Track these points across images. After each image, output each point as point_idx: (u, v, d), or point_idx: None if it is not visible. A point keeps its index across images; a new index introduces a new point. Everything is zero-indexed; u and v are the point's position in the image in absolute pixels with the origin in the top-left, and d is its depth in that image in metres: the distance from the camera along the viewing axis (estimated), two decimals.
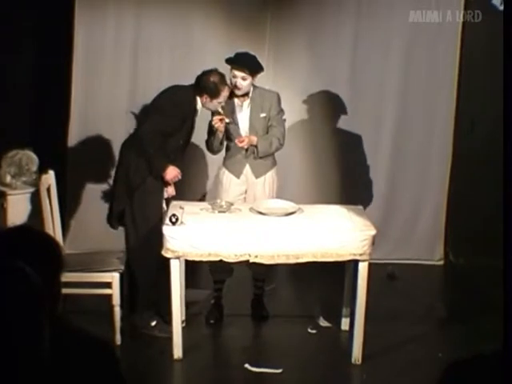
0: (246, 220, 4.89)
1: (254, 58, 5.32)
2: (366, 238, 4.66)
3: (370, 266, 4.67)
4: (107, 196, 5.38)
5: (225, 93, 5.13)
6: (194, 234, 4.67)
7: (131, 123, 6.57)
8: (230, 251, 4.65)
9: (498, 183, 6.54)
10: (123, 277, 5.00)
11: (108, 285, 4.89)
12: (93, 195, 6.56)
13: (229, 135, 5.39)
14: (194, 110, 5.19)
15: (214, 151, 5.50)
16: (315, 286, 6.08)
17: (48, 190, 5.00)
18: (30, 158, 6.11)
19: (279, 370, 4.67)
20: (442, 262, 6.96)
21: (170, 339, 4.77)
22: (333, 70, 6.65)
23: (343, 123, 6.75)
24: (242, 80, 5.21)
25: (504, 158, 2.55)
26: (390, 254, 6.83)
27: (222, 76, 5.13)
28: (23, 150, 6.10)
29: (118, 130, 6.57)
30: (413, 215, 6.90)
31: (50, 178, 5.06)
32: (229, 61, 5.25)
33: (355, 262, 4.76)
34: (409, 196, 6.87)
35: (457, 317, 5.62)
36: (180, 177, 5.16)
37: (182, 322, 5.00)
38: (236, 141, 5.30)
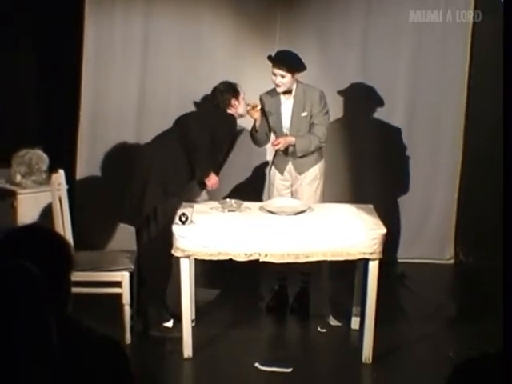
0: (255, 219, 4.89)
1: (295, 55, 5.35)
2: (376, 237, 4.65)
3: (381, 264, 4.66)
4: (119, 195, 5.32)
5: (238, 91, 5.32)
6: (203, 233, 4.66)
7: (141, 121, 6.58)
8: (240, 250, 4.65)
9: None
10: (133, 276, 5.00)
11: (118, 284, 4.89)
12: (102, 194, 6.56)
13: (273, 129, 5.53)
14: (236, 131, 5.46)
15: (257, 142, 5.65)
16: (325, 285, 6.07)
17: (58, 189, 5.01)
18: (39, 157, 6.13)
19: (289, 369, 4.66)
20: (452, 262, 6.95)
21: (179, 338, 4.78)
22: (342, 68, 6.63)
23: (353, 121, 6.73)
24: (281, 78, 5.27)
25: (504, 158, 2.54)
26: (401, 254, 6.82)
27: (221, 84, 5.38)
28: (33, 149, 6.13)
29: (127, 129, 6.59)
30: (423, 214, 6.88)
31: (60, 177, 5.07)
32: (269, 58, 5.33)
33: (365, 261, 4.75)
34: (419, 195, 6.85)
35: (467, 316, 5.60)
36: (218, 186, 5.25)
37: (192, 321, 5.00)
38: (272, 143, 5.43)
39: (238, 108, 5.30)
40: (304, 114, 5.38)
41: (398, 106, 6.73)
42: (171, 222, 4.78)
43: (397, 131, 6.74)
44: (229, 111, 5.27)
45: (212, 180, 5.17)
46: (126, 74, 6.61)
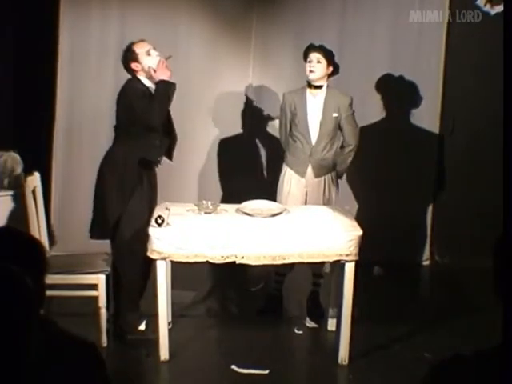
0: (232, 221, 4.88)
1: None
2: (353, 239, 4.66)
3: (357, 266, 4.68)
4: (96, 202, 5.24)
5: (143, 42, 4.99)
6: (179, 236, 4.65)
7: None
8: (216, 252, 4.64)
9: (482, 184, 6.61)
10: (109, 279, 4.97)
11: (94, 287, 4.87)
12: (78, 197, 6.54)
13: (297, 130, 5.40)
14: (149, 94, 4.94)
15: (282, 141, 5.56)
16: (301, 287, 6.08)
17: (33, 191, 4.98)
18: (14, 159, 6.09)
19: (266, 371, 4.67)
20: (427, 263, 6.99)
21: (156, 341, 4.76)
22: None
23: None
24: (317, 63, 5.25)
25: (504, 158, 2.57)
26: (377, 255, 6.85)
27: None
28: (8, 151, 6.09)
29: (102, 132, 6.55)
30: (399, 216, 6.91)
31: (35, 179, 5.04)
32: (307, 48, 5.32)
33: (342, 263, 4.76)
34: (395, 197, 6.88)
35: (443, 317, 5.63)
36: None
37: (169, 323, 4.99)
38: None
39: (143, 64, 4.89)
40: (335, 114, 5.33)
41: (374, 107, 6.75)
42: (141, 222, 4.79)
43: (377, 133, 6.76)
44: (140, 76, 4.95)
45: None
46: (101, 77, 6.59)
